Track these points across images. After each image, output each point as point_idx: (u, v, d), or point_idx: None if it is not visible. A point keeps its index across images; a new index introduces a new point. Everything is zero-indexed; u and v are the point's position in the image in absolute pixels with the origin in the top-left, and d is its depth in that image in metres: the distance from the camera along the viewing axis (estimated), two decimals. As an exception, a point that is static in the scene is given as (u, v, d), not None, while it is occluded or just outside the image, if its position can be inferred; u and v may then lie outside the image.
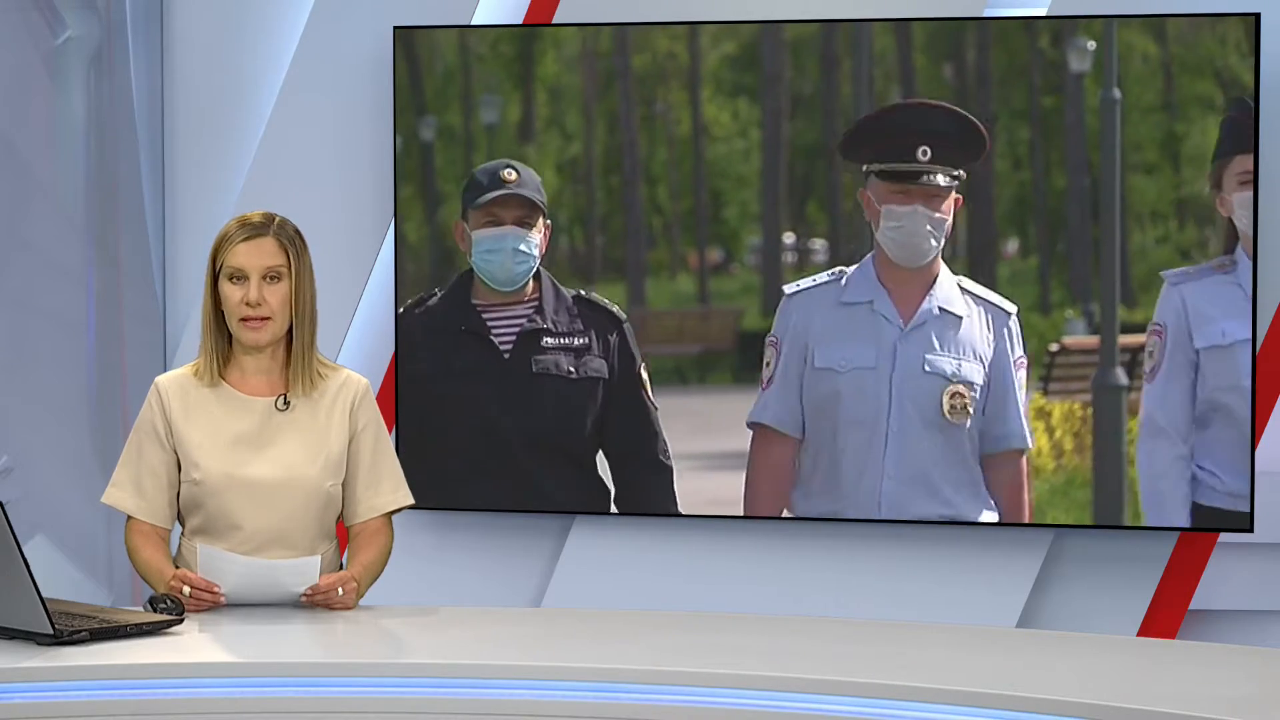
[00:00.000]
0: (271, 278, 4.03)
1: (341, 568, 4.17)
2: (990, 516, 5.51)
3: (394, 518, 4.20)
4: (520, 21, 5.83)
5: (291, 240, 4.06)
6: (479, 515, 5.92)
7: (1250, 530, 5.44)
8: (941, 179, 5.42)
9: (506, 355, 5.76)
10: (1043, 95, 5.51)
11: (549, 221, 5.71)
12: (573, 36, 5.76)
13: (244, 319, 4.03)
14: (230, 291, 4.04)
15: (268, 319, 4.03)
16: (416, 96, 5.82)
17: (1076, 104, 5.48)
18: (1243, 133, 5.37)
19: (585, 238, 5.83)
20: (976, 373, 5.50)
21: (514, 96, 5.81)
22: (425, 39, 5.79)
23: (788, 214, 5.71)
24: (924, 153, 5.37)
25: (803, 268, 5.67)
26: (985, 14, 5.58)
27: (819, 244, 5.69)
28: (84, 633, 3.67)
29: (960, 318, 5.50)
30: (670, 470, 5.70)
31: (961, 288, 5.52)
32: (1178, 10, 5.45)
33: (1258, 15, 5.38)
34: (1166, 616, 5.58)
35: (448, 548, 5.94)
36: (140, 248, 6.04)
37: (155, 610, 3.87)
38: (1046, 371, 5.54)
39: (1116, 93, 5.45)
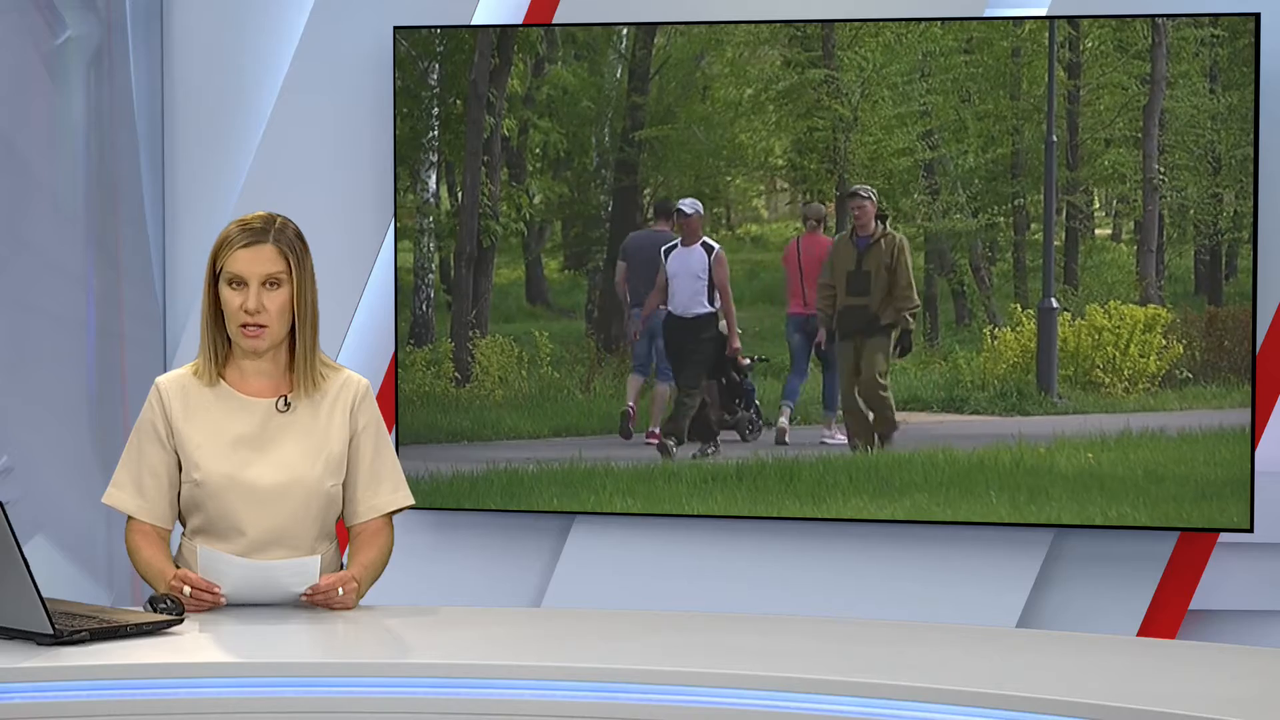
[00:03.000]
0: (271, 284, 4.00)
1: (342, 568, 4.17)
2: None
3: (394, 518, 4.20)
4: (520, 21, 5.83)
5: (292, 246, 4.03)
6: (479, 515, 5.92)
7: (1250, 530, 5.44)
8: None
9: None
10: None
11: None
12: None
13: (243, 325, 4.02)
14: (230, 297, 4.02)
15: (265, 326, 4.02)
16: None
17: None
18: None
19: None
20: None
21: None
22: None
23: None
24: None
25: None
26: (985, 14, 5.58)
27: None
28: (84, 633, 3.67)
29: None
30: None
31: None
32: (1178, 10, 5.45)
33: (1258, 15, 5.38)
34: (1166, 616, 5.58)
35: (448, 548, 5.94)
36: (140, 248, 6.04)
37: (155, 610, 3.86)
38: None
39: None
